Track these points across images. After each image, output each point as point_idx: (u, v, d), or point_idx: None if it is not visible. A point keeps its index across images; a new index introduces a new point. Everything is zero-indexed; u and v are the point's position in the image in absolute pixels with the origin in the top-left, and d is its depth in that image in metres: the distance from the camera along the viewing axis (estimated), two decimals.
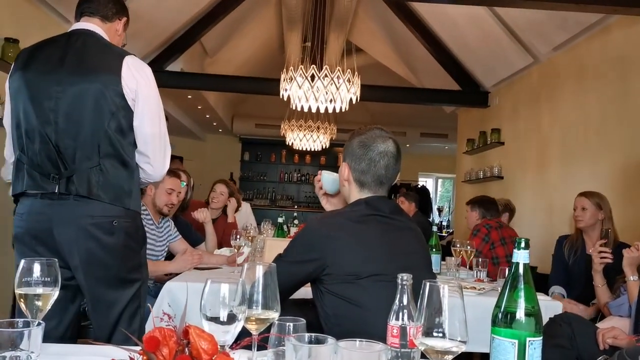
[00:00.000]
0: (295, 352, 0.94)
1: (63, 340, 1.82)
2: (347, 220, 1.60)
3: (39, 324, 0.98)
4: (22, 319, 0.97)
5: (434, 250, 3.15)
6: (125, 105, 1.83)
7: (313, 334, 0.98)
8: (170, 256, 3.18)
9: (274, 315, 1.12)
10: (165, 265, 2.83)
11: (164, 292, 2.33)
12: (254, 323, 1.09)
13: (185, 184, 3.38)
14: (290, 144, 8.18)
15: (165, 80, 6.06)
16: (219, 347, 0.93)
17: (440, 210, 12.11)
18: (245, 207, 5.88)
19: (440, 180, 13.42)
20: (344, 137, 1.93)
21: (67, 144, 1.80)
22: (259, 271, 1.12)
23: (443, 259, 3.36)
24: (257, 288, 1.11)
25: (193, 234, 3.51)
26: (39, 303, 1.07)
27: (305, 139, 7.92)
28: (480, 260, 3.08)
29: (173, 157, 5.26)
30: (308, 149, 8.26)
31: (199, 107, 8.96)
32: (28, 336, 0.95)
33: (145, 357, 0.71)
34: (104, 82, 1.80)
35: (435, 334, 0.97)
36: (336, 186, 1.85)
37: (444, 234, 8.99)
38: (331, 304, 1.55)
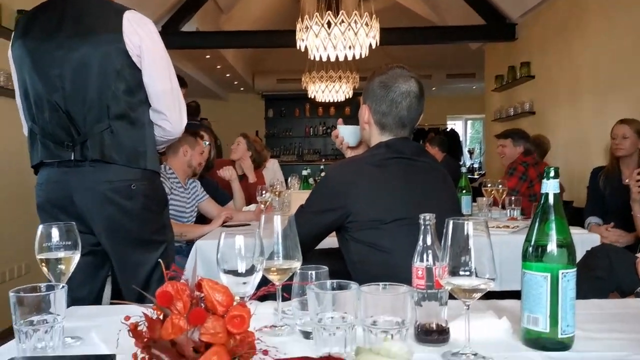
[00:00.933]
0: (318, 300, 0.92)
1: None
2: (367, 164, 1.55)
3: (62, 287, 0.98)
4: (46, 284, 0.97)
5: (463, 192, 3.09)
6: (130, 63, 1.77)
7: (335, 281, 0.96)
8: (200, 217, 3.20)
9: (295, 264, 1.10)
10: (203, 228, 2.84)
11: (194, 252, 2.35)
12: (275, 274, 1.08)
13: (208, 143, 3.36)
14: (312, 97, 8.07)
15: (181, 42, 6.00)
16: (238, 298, 0.91)
17: (471, 152, 11.90)
18: (272, 163, 5.87)
19: (469, 122, 13.15)
20: None
21: (76, 109, 1.77)
22: (277, 222, 1.10)
23: (474, 200, 3.29)
24: (277, 239, 1.09)
25: (220, 193, 3.52)
26: (62, 266, 1.08)
27: (328, 90, 7.80)
28: (512, 198, 3.01)
29: (199, 119, 5.25)
30: (331, 101, 8.14)
31: (218, 67, 8.88)
32: (53, 300, 0.96)
33: (159, 313, 0.70)
34: (105, 42, 1.75)
35: (462, 272, 0.93)
36: (355, 137, 1.79)
37: (475, 177, 8.86)
38: (357, 251, 1.52)
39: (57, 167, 1.81)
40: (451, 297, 0.99)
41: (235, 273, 0.92)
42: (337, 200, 1.52)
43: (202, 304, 0.72)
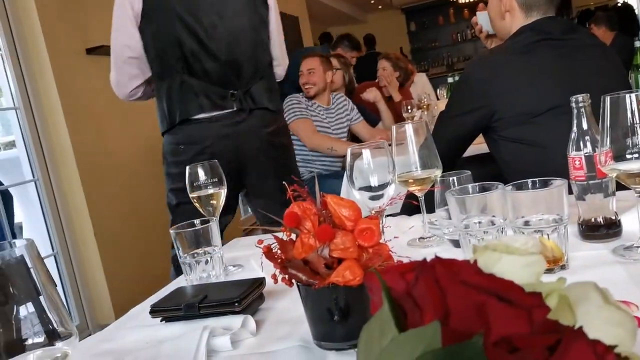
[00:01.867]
0: (460, 205, 0.85)
1: None
2: (509, 54, 1.39)
3: (215, 220, 1.05)
4: (200, 219, 1.04)
5: (639, 70, 2.67)
6: (267, 14, 1.85)
7: (478, 183, 0.89)
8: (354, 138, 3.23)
9: (436, 172, 1.03)
10: (352, 144, 2.87)
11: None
12: (414, 185, 1.03)
13: (338, 68, 3.35)
14: (455, 0, 7.52)
15: None
16: (372, 212, 0.89)
17: None
18: (420, 78, 5.65)
19: None
20: None
21: (236, 58, 1.79)
22: (409, 131, 1.03)
23: None
24: (411, 148, 1.03)
25: (368, 116, 3.49)
26: (213, 202, 1.15)
27: None
28: None
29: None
30: None
31: None
32: (209, 232, 1.03)
33: (289, 234, 0.70)
34: None
35: (628, 156, 0.79)
36: None
37: None
38: (508, 151, 1.39)
39: (216, 121, 1.78)
40: (618, 187, 0.86)
41: (368, 188, 0.89)
42: (479, 99, 1.40)
43: (333, 222, 0.70)
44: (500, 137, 1.39)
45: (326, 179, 2.88)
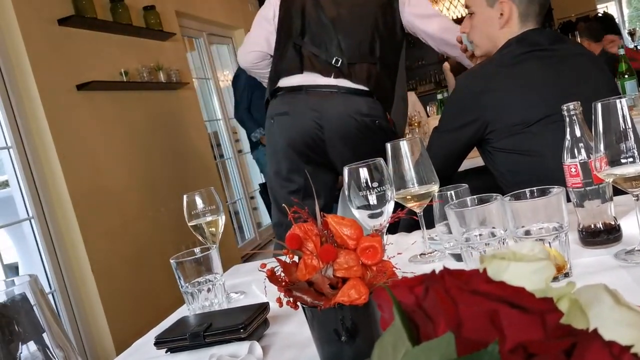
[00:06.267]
0: (460, 218, 0.86)
1: None
2: (498, 66, 1.40)
3: (214, 247, 1.04)
4: (199, 247, 1.04)
5: (626, 76, 2.71)
6: None
7: (476, 196, 0.89)
8: None
9: (433, 188, 1.04)
10: None
11: (342, 196, 2.38)
12: (412, 201, 1.03)
13: None
14: None
15: None
16: (374, 230, 0.88)
17: (632, 34, 10.42)
18: (409, 96, 5.70)
19: (624, 0, 11.46)
20: None
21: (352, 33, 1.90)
22: (405, 147, 1.04)
23: None
24: (407, 165, 1.04)
25: None
26: (212, 229, 1.14)
27: (453, 6, 7.32)
28: None
29: None
30: (460, 16, 7.64)
31: None
32: (209, 260, 1.02)
33: (291, 256, 0.70)
34: None
35: (623, 160, 0.80)
36: None
37: None
38: (504, 162, 1.40)
39: (311, 93, 1.91)
40: (615, 192, 0.86)
41: (367, 207, 0.90)
42: (472, 112, 1.41)
43: (335, 242, 0.70)
44: (494, 148, 1.40)
45: None
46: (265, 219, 5.72)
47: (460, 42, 1.73)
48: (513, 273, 0.34)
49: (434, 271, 0.35)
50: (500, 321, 0.30)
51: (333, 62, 1.86)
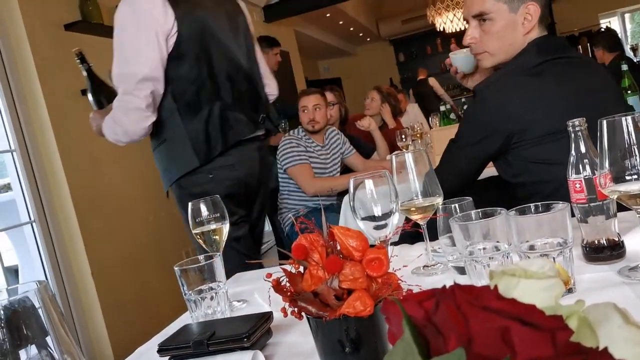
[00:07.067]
0: (464, 231, 0.86)
1: None
2: (521, 75, 1.36)
3: (218, 255, 1.05)
4: (203, 255, 1.04)
5: (629, 92, 2.72)
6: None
7: (481, 209, 0.89)
8: (346, 171, 3.24)
9: (437, 200, 1.04)
10: (350, 176, 2.88)
11: (344, 207, 2.38)
12: (416, 213, 1.03)
13: (334, 103, 3.40)
14: (442, 30, 7.67)
15: (300, 5, 6.06)
16: (378, 241, 0.89)
17: (634, 49, 10.47)
18: (412, 108, 5.73)
19: (627, 16, 11.52)
20: None
21: (257, 82, 1.84)
22: (409, 159, 1.05)
23: None
24: (412, 177, 1.04)
25: (363, 146, 3.52)
26: (216, 237, 1.15)
27: (457, 19, 7.35)
28: None
29: (329, 83, 5.31)
30: (462, 28, 7.67)
31: (341, 22, 8.82)
32: (213, 268, 1.02)
33: (297, 266, 0.70)
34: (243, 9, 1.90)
35: (627, 177, 0.81)
36: (469, 63, 1.59)
37: None
38: (529, 172, 1.36)
39: (247, 145, 1.78)
40: (619, 208, 0.87)
41: (372, 218, 0.90)
42: (496, 124, 1.36)
43: (340, 253, 0.71)
44: (519, 157, 1.36)
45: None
46: (266, 227, 5.71)
47: (450, 65, 1.65)
48: (523, 290, 0.35)
49: (444, 286, 0.35)
50: (512, 338, 0.30)
51: None
